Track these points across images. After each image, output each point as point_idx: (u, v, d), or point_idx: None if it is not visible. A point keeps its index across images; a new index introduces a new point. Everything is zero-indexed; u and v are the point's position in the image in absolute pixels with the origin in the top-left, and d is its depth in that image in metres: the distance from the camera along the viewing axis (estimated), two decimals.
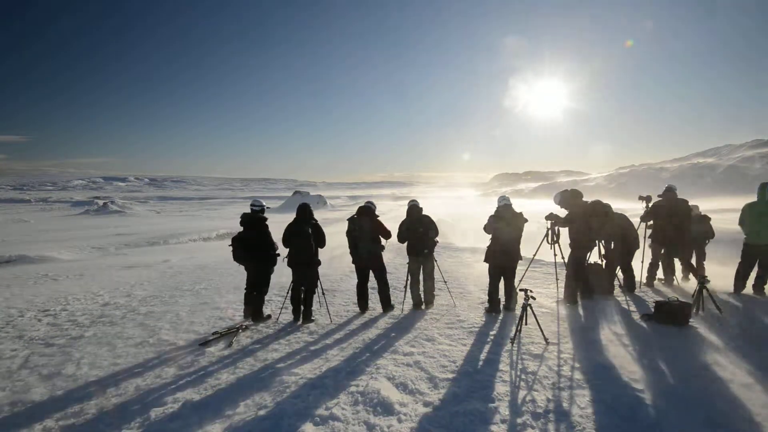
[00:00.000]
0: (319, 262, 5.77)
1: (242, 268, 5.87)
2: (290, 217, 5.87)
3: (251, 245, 5.67)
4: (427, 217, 5.93)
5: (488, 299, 5.78)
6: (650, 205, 6.84)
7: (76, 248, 17.87)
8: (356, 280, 6.07)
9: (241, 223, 5.78)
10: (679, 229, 6.58)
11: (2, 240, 22.11)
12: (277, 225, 5.97)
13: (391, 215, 6.09)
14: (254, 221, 5.78)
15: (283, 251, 5.77)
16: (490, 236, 5.73)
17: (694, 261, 7.21)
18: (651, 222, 6.91)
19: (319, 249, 5.78)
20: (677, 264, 7.20)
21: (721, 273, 6.95)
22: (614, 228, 6.35)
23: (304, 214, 5.68)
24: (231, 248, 5.72)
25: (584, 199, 6.20)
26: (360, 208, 5.94)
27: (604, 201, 6.66)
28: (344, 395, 3.55)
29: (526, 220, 5.64)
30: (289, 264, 5.69)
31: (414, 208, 5.94)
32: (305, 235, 5.58)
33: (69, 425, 3.29)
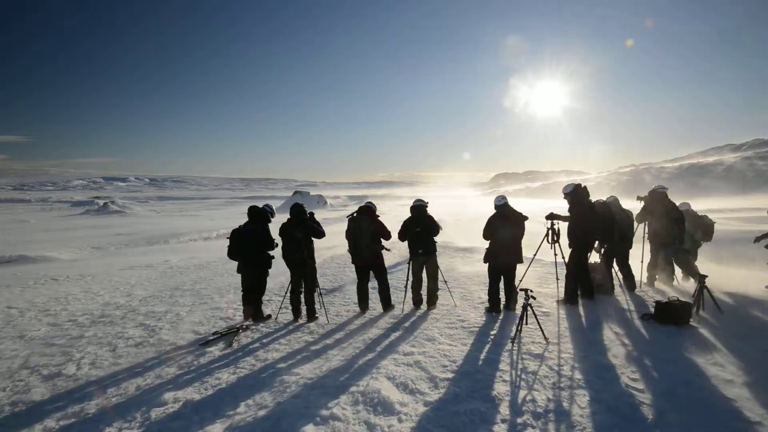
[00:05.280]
0: (313, 262, 5.77)
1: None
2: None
3: (250, 239, 5.67)
4: (430, 218, 5.93)
5: (488, 299, 5.78)
6: (643, 206, 6.91)
7: (76, 248, 17.89)
8: (356, 280, 6.08)
9: (248, 214, 5.82)
10: (668, 230, 6.65)
11: (2, 240, 22.12)
12: (277, 226, 5.98)
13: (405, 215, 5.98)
14: (261, 216, 5.81)
15: (279, 250, 5.80)
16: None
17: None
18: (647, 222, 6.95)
19: (317, 243, 5.85)
20: (676, 264, 7.20)
21: (720, 273, 6.96)
22: (610, 227, 6.36)
23: (297, 216, 5.68)
24: (227, 241, 5.73)
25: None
26: (360, 207, 5.94)
27: (605, 199, 6.67)
28: (344, 395, 3.55)
29: (526, 218, 5.63)
30: (286, 263, 5.76)
31: (416, 208, 5.93)
32: (296, 239, 5.59)
33: (69, 425, 3.30)
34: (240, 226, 5.76)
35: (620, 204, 6.77)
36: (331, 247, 12.47)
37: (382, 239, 5.87)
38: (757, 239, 6.81)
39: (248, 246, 5.68)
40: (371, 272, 5.98)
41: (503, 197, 5.79)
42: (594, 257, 6.51)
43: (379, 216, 5.98)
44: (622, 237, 6.52)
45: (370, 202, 6.05)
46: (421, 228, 5.84)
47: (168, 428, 3.21)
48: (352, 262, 5.99)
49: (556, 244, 6.07)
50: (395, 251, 10.96)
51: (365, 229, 5.74)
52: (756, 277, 7.23)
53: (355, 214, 5.89)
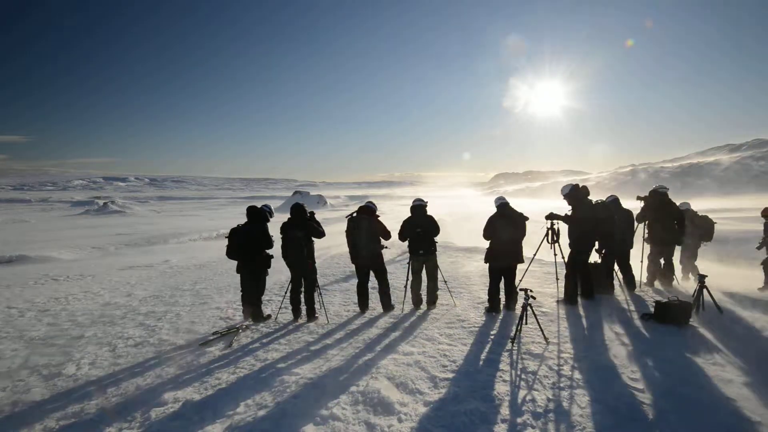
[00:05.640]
0: (313, 262, 5.76)
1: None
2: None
3: (249, 239, 5.67)
4: (430, 218, 5.93)
5: (488, 299, 5.78)
6: (643, 206, 6.92)
7: (76, 248, 17.89)
8: (356, 280, 6.08)
9: (247, 214, 5.81)
10: (668, 230, 6.67)
11: (2, 240, 22.12)
12: (276, 226, 5.98)
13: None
14: (259, 216, 5.81)
15: (278, 248, 5.79)
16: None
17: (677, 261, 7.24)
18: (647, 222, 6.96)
19: (317, 243, 5.84)
20: (677, 263, 7.21)
21: (720, 273, 6.97)
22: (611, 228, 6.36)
23: (297, 215, 5.67)
24: (226, 241, 5.71)
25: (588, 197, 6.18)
26: (360, 207, 5.94)
27: (604, 200, 6.67)
28: (344, 395, 3.55)
29: (527, 218, 5.63)
30: (286, 263, 5.76)
31: (416, 208, 5.93)
32: (296, 239, 5.59)
33: (69, 425, 3.30)
34: (239, 226, 5.76)
35: (621, 204, 6.77)
36: (331, 247, 12.48)
37: (382, 239, 5.86)
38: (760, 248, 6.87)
39: (247, 246, 5.68)
40: (371, 272, 5.99)
41: (502, 197, 5.80)
42: (594, 257, 6.51)
43: (379, 216, 5.98)
44: (622, 237, 6.52)
45: (370, 202, 6.05)
46: (421, 228, 5.84)
47: (168, 428, 3.20)
48: (352, 262, 5.99)
49: (556, 244, 6.07)
50: (395, 250, 10.97)
51: (364, 229, 5.73)
52: (756, 277, 7.24)
53: (354, 214, 5.89)
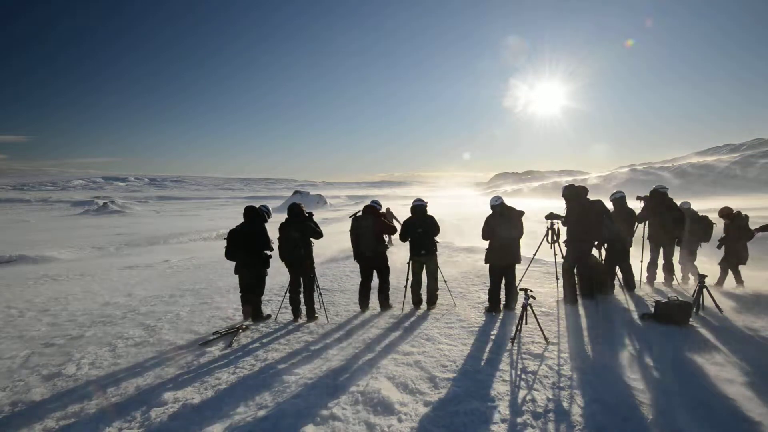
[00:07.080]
0: (311, 262, 5.77)
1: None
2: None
3: (247, 240, 5.67)
4: (431, 218, 5.94)
5: (489, 299, 5.78)
6: (643, 205, 6.93)
7: (76, 248, 17.89)
8: (359, 280, 6.07)
9: (245, 215, 5.80)
10: (668, 230, 6.67)
11: (2, 240, 22.12)
12: (274, 226, 5.99)
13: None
14: (257, 216, 5.81)
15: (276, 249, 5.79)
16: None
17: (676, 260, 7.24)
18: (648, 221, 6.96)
19: (317, 243, 5.84)
20: (677, 263, 7.20)
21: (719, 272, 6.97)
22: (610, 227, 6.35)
23: (294, 217, 5.66)
24: (225, 241, 5.70)
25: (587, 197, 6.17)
26: (365, 207, 5.96)
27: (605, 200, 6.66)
28: (344, 395, 3.55)
29: (522, 213, 5.62)
30: (284, 263, 5.76)
31: (416, 208, 5.94)
32: (293, 240, 5.59)
33: (69, 425, 3.30)
34: (237, 227, 5.76)
35: (626, 201, 6.77)
36: (331, 247, 12.48)
37: (388, 236, 5.87)
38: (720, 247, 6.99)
39: (245, 246, 5.68)
40: (374, 272, 5.99)
41: (497, 197, 5.82)
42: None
43: (384, 215, 5.98)
44: (620, 236, 6.51)
45: (375, 201, 6.06)
46: (422, 228, 5.85)
47: (168, 428, 3.20)
48: (356, 261, 6.00)
49: (556, 244, 6.07)
50: (395, 250, 10.96)
51: (369, 228, 5.74)
52: (755, 277, 7.24)
53: (359, 213, 5.90)
